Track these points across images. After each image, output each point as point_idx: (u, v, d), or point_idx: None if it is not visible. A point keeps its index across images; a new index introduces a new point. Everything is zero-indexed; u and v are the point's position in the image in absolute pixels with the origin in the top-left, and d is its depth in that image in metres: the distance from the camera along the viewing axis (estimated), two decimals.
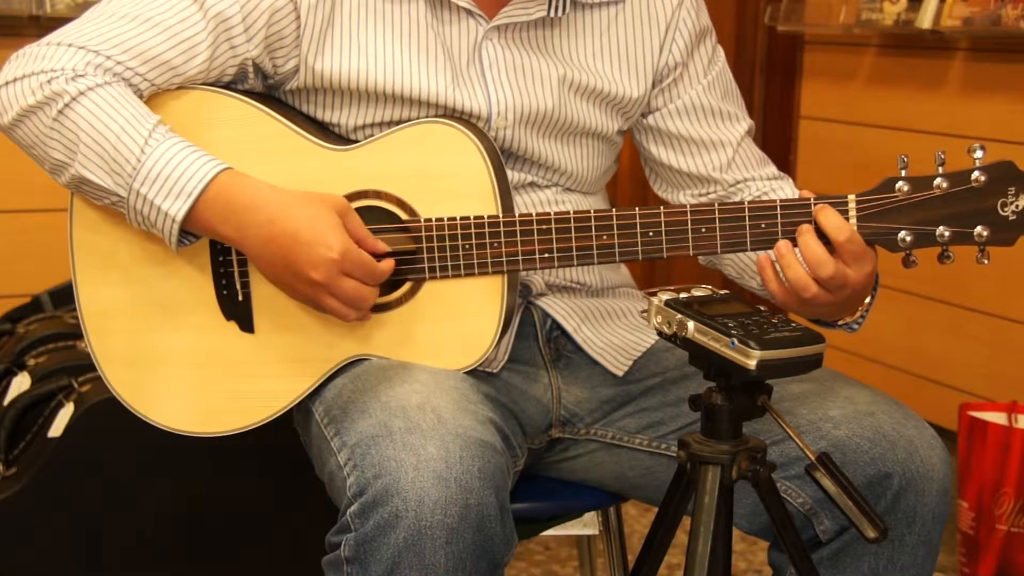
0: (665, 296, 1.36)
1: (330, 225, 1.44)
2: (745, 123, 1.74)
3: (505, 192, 1.53)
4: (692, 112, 1.70)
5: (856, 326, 1.57)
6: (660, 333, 1.36)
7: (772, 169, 1.75)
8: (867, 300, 1.55)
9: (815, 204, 1.47)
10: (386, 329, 1.55)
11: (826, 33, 3.16)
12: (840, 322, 1.56)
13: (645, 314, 1.38)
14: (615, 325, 1.71)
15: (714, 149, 1.71)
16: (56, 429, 2.11)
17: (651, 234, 1.51)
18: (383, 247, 1.49)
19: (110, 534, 2.13)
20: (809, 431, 1.51)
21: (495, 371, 1.63)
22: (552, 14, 1.60)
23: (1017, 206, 1.45)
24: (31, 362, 2.29)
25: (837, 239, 1.45)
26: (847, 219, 1.47)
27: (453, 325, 1.54)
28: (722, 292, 1.40)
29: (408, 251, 1.52)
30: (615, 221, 1.51)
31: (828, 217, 1.46)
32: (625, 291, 1.77)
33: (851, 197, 1.48)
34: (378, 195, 1.53)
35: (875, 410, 1.52)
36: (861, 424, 1.50)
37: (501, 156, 1.56)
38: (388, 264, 1.48)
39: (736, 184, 1.72)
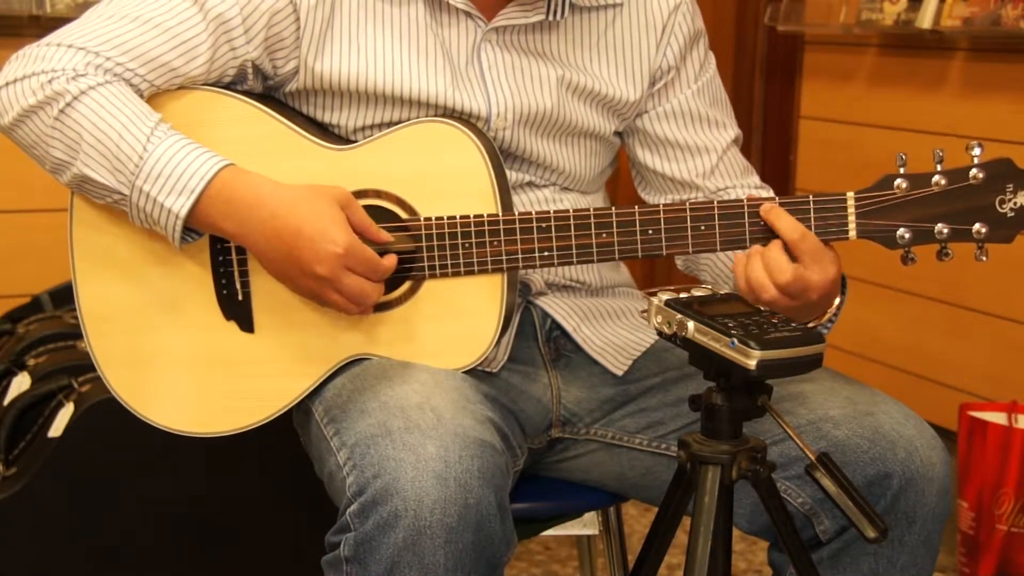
0: (665, 296, 1.36)
1: (333, 220, 1.44)
2: (732, 131, 1.74)
3: (505, 191, 1.53)
4: (680, 117, 1.71)
5: (826, 330, 1.57)
6: (660, 333, 1.36)
7: (755, 179, 1.76)
8: (836, 301, 1.55)
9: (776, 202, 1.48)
10: (386, 328, 1.55)
11: (826, 33, 3.16)
12: (809, 324, 1.56)
13: (645, 314, 1.38)
14: (615, 325, 1.71)
15: (698, 155, 1.72)
16: (56, 429, 2.11)
17: (650, 232, 1.51)
18: (387, 237, 1.49)
19: (110, 534, 2.12)
20: (809, 431, 1.51)
21: (495, 371, 1.63)
22: (550, 18, 1.61)
23: (1015, 203, 1.46)
24: (31, 362, 2.29)
25: (791, 238, 1.45)
26: (846, 217, 1.47)
27: (453, 324, 1.54)
28: (722, 292, 1.40)
29: (408, 250, 1.52)
30: (614, 219, 1.51)
31: (780, 218, 1.46)
32: (625, 291, 1.77)
33: (849, 195, 1.48)
34: (378, 194, 1.53)
35: (875, 410, 1.52)
36: (861, 424, 1.50)
37: (500, 155, 1.57)
38: (391, 260, 1.48)
39: (718, 191, 1.73)
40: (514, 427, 1.60)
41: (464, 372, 1.54)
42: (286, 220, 1.44)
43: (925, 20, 2.72)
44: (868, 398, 1.54)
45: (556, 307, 1.67)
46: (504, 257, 1.52)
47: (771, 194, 1.74)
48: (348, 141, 1.58)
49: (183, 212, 1.44)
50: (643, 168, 1.75)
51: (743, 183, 1.74)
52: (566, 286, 1.69)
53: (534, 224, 1.51)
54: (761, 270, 1.46)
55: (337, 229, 1.44)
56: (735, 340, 1.27)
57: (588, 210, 1.51)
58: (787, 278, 1.45)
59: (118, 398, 1.58)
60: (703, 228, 1.50)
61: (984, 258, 1.47)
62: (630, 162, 1.78)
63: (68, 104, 1.45)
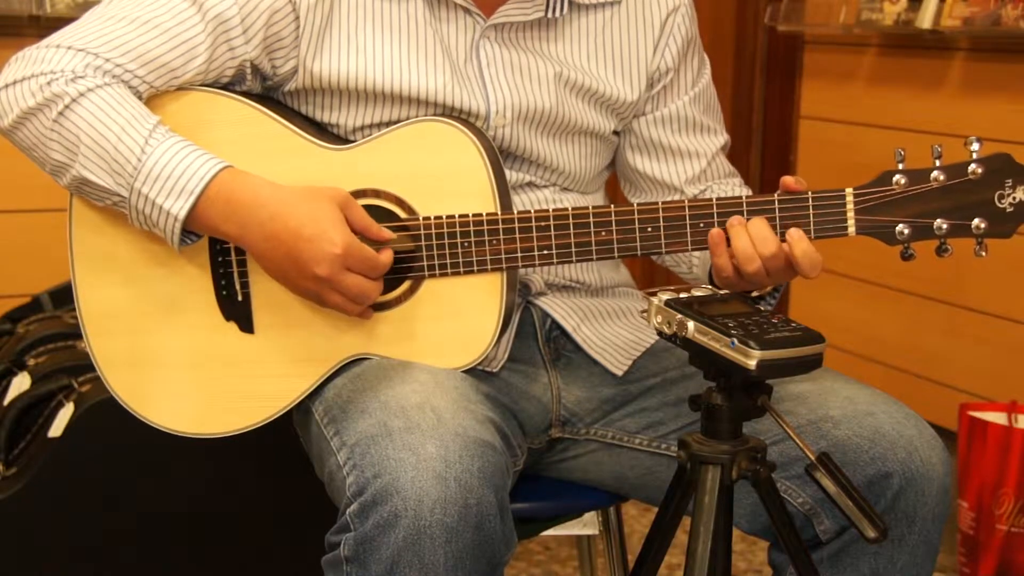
0: (665, 296, 1.36)
1: (332, 220, 1.44)
2: (722, 138, 1.76)
3: (504, 190, 1.53)
4: (673, 122, 1.71)
5: (773, 300, 1.58)
6: (660, 333, 1.36)
7: (738, 179, 1.77)
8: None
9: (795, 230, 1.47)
10: (386, 328, 1.55)
11: (826, 33, 3.16)
12: (753, 294, 1.57)
13: (645, 314, 1.38)
14: (615, 325, 1.71)
15: (688, 159, 1.73)
16: (56, 429, 2.11)
17: (649, 230, 1.51)
18: (388, 234, 1.49)
19: (110, 534, 2.13)
20: (809, 431, 1.51)
21: (495, 370, 1.63)
22: (550, 15, 1.61)
23: (1014, 198, 1.45)
24: (31, 362, 2.29)
25: (803, 268, 1.46)
26: (845, 213, 1.47)
27: (453, 323, 1.54)
28: (722, 292, 1.40)
29: (407, 250, 1.52)
30: (613, 217, 1.51)
31: (798, 242, 1.46)
32: (625, 291, 1.77)
33: (848, 191, 1.48)
34: (377, 194, 1.53)
35: (875, 410, 1.52)
36: (861, 424, 1.50)
37: (499, 154, 1.57)
38: (388, 255, 1.49)
39: (700, 194, 1.74)
40: (514, 427, 1.60)
41: (464, 372, 1.54)
42: (286, 222, 1.44)
43: (925, 20, 2.72)
44: (868, 398, 1.54)
45: (556, 307, 1.67)
46: (503, 256, 1.52)
47: (749, 192, 1.75)
48: (347, 141, 1.58)
49: (182, 214, 1.44)
50: (629, 169, 1.75)
51: (724, 182, 1.75)
52: (566, 286, 1.69)
53: (533, 223, 1.51)
54: (747, 240, 1.46)
55: (336, 229, 1.44)
56: (735, 340, 1.27)
57: (587, 208, 1.51)
58: (772, 249, 1.45)
59: (118, 399, 1.58)
60: (702, 226, 1.50)
61: (983, 253, 1.47)
62: (616, 162, 1.78)
63: (67, 106, 1.45)
